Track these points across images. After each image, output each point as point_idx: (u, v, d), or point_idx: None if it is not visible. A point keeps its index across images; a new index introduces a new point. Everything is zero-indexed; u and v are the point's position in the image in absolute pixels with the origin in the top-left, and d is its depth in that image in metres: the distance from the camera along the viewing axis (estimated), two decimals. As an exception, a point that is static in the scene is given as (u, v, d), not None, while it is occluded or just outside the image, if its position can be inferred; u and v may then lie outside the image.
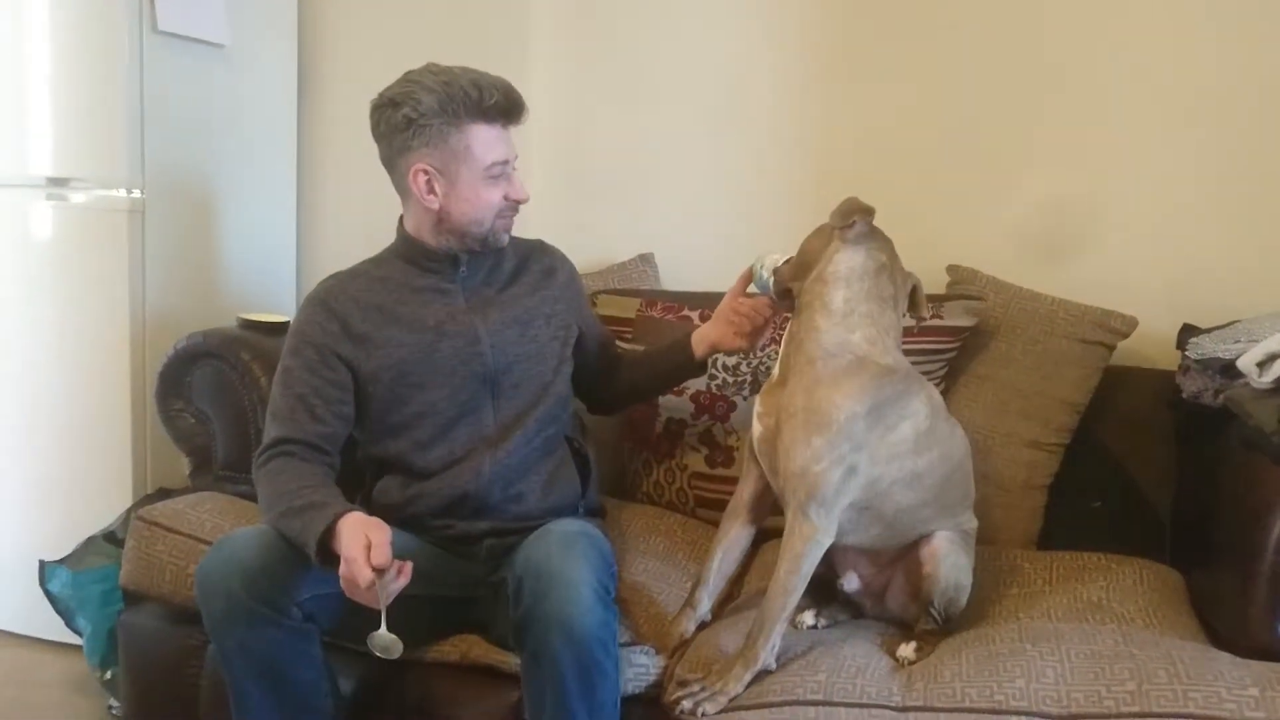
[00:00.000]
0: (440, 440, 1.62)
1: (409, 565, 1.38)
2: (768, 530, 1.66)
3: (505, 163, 1.61)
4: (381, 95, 1.60)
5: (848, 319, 1.48)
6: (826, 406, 1.44)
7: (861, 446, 1.45)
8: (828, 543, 1.47)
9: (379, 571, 1.34)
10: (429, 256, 1.66)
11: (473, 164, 1.58)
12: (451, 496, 1.61)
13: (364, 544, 1.35)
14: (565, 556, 1.41)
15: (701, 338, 1.76)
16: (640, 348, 1.99)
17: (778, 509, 1.58)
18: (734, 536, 1.62)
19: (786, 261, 1.60)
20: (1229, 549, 1.54)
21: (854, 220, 1.49)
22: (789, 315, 1.59)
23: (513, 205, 1.65)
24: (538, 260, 1.76)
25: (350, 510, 1.43)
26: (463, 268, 1.66)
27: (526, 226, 1.79)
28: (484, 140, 1.58)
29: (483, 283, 1.69)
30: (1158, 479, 1.90)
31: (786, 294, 1.60)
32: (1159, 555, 1.79)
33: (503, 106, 1.59)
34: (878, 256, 1.51)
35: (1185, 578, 1.71)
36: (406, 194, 1.64)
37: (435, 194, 1.60)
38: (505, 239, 1.67)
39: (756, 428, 1.56)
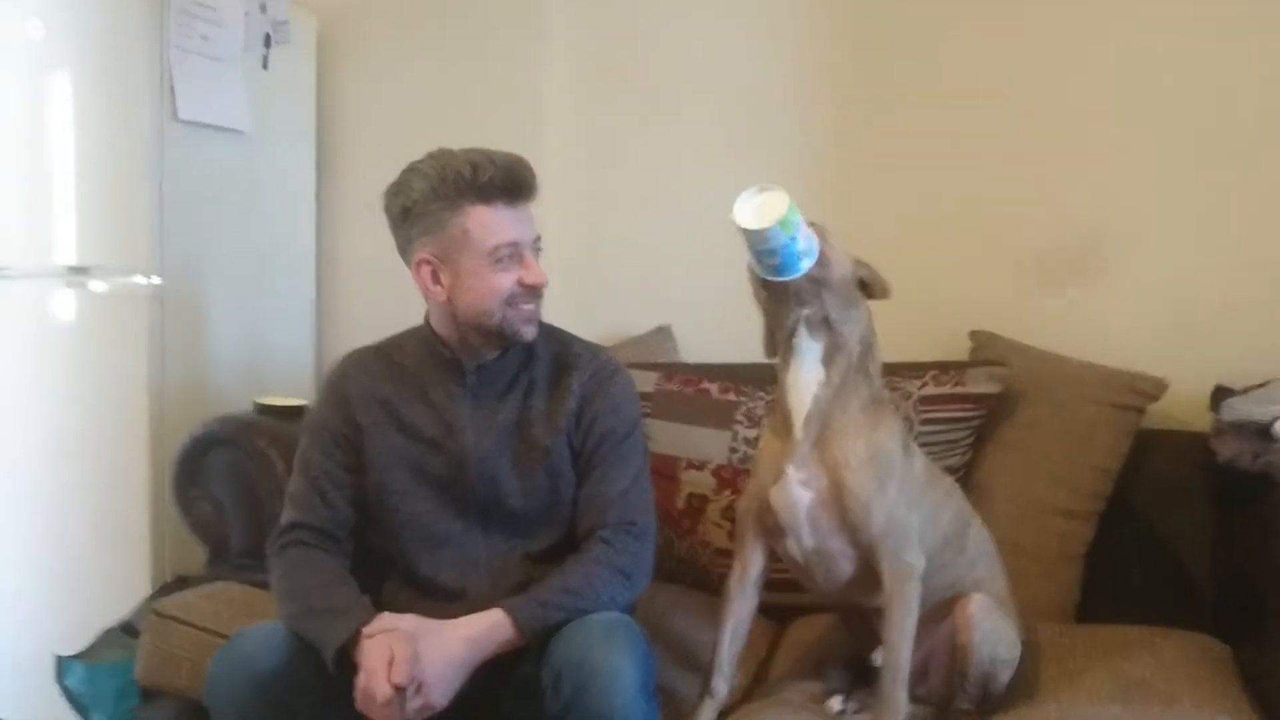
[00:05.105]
0: (427, 557, 1.53)
1: (428, 686, 1.34)
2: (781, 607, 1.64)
3: (514, 244, 1.46)
4: (389, 185, 1.51)
5: (879, 369, 1.53)
6: (887, 449, 1.48)
7: (907, 480, 1.50)
8: (922, 570, 1.47)
9: (399, 689, 1.30)
10: (444, 352, 1.55)
11: (473, 249, 1.45)
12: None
13: (387, 657, 1.31)
14: (608, 647, 1.35)
15: None
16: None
17: (775, 584, 1.59)
18: (740, 617, 1.57)
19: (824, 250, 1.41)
20: None
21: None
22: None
23: (529, 291, 1.49)
24: (576, 375, 1.55)
25: (371, 619, 1.38)
26: (470, 375, 1.54)
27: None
28: (483, 222, 1.44)
29: (497, 396, 1.54)
30: (1197, 546, 1.85)
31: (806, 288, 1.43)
32: (1203, 626, 1.72)
33: (501, 183, 1.44)
34: None
35: (1233, 651, 1.65)
36: (421, 289, 1.53)
37: (441, 284, 1.48)
38: (530, 332, 1.51)
39: (802, 496, 1.48)
